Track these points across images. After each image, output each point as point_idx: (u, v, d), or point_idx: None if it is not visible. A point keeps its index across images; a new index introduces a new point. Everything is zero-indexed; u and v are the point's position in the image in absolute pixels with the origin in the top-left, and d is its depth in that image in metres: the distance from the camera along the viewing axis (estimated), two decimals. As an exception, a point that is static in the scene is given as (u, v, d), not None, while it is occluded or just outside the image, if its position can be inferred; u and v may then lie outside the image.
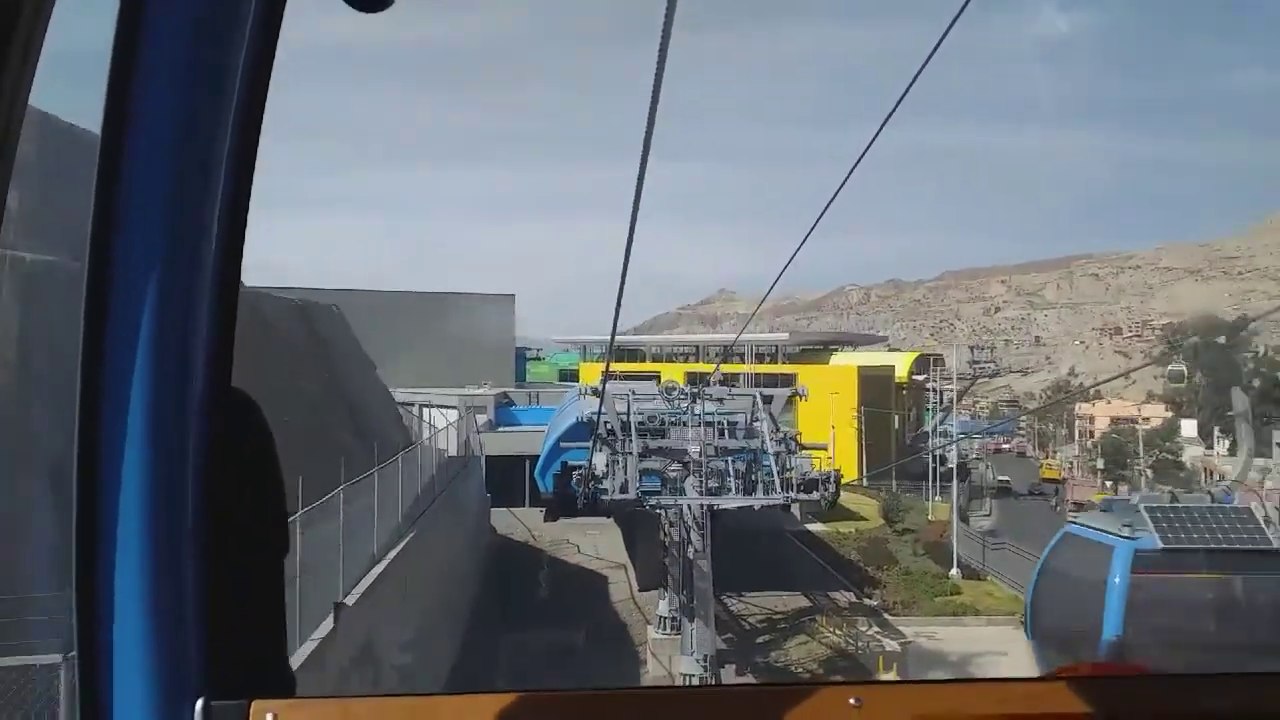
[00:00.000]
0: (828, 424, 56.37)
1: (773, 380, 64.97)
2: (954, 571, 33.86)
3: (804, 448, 24.27)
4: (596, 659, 25.72)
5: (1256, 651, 11.55)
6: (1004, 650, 26.04)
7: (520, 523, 39.03)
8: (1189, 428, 77.15)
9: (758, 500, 22.31)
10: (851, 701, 1.29)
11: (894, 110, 5.56)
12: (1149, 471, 61.03)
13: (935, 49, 5.36)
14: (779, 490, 21.86)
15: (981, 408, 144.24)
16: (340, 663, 13.32)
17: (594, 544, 36.10)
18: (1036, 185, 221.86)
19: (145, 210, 1.18)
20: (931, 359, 74.93)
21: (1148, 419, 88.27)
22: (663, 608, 26.03)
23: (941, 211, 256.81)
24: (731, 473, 23.07)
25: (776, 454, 22.37)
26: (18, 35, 0.97)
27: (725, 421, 24.47)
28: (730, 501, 22.17)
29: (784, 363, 68.09)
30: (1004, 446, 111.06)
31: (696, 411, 23.73)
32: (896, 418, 64.25)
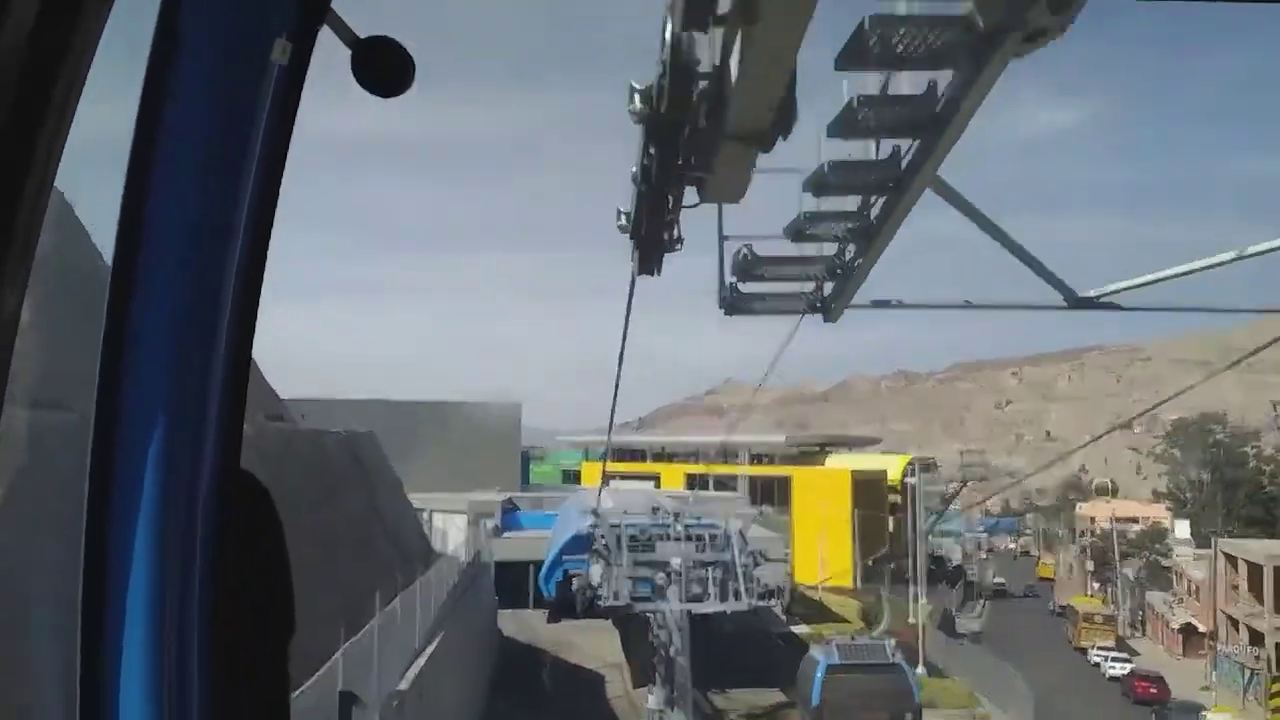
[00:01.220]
0: (821, 526, 61.61)
1: (769, 483, 70.51)
2: (919, 670, 38.73)
3: (768, 559, 29.67)
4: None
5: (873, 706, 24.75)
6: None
7: (526, 626, 44.00)
8: (1182, 529, 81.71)
9: (728, 606, 27.64)
10: None
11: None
12: (1130, 574, 65.51)
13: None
14: (745, 598, 27.24)
15: (993, 505, 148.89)
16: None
17: (594, 645, 40.96)
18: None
19: (161, 291, 1.26)
20: (918, 464, 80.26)
21: (1148, 519, 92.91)
22: (651, 701, 30.99)
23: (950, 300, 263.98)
24: (711, 579, 28.46)
25: (744, 566, 27.82)
26: (48, 119, 1.06)
27: (707, 535, 29.95)
28: (706, 607, 27.52)
29: (780, 464, 73.50)
30: (1010, 546, 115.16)
31: (680, 527, 29.28)
32: (891, 520, 69.21)
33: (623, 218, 5.91)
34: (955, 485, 68.81)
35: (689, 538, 28.79)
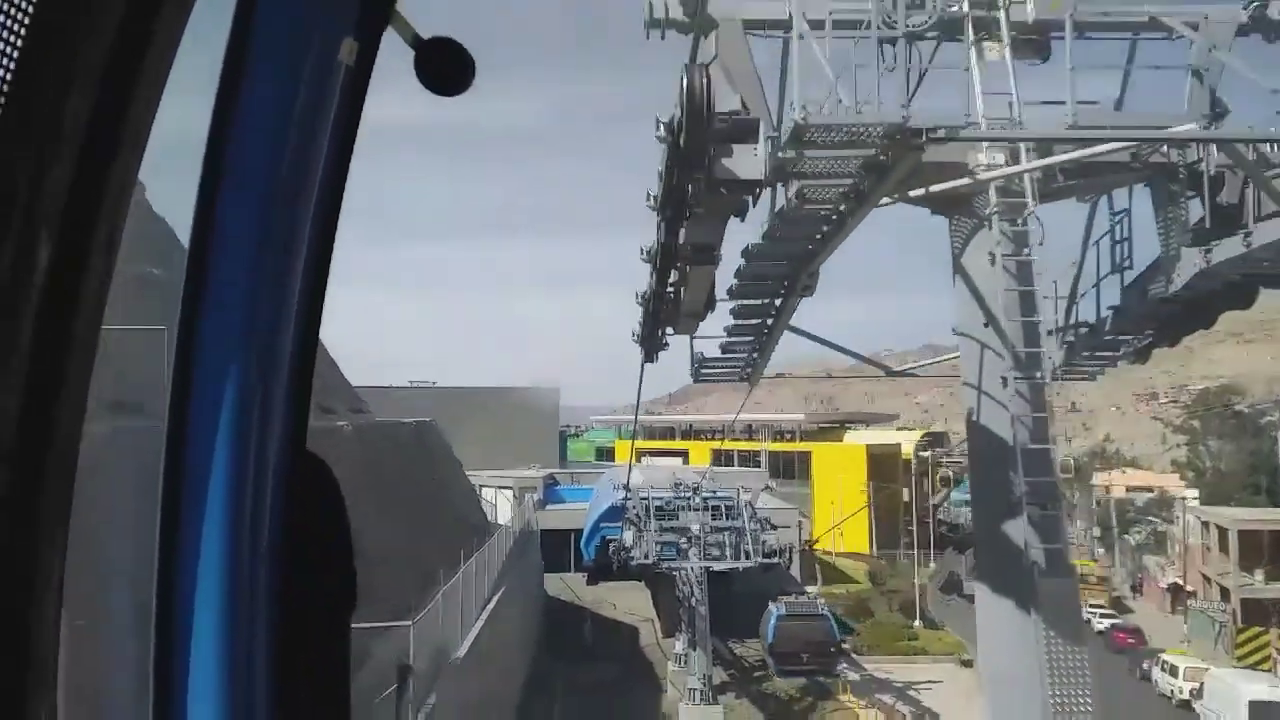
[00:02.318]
0: (839, 498, 66.85)
1: (790, 459, 75.77)
2: (916, 623, 44.13)
3: (774, 526, 35.11)
4: (631, 686, 36.34)
5: (812, 651, 33.51)
6: (939, 679, 36.46)
7: (568, 586, 49.89)
8: (1192, 498, 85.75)
9: (740, 564, 33.16)
10: None
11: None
12: (1131, 540, 70.10)
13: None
14: (753, 557, 32.76)
15: (1060, 470, 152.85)
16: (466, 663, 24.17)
17: (628, 602, 46.74)
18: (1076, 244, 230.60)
19: (233, 284, 1.32)
20: (932, 437, 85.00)
21: (1161, 488, 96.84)
22: (678, 647, 36.71)
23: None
24: (725, 543, 33.99)
25: (753, 531, 33.29)
26: (130, 116, 1.10)
27: (722, 505, 35.40)
28: (721, 565, 33.06)
29: (802, 440, 78.71)
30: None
31: (699, 499, 34.81)
32: (905, 491, 74.20)
33: (639, 298, 11.37)
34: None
35: (706, 507, 34.32)
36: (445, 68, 1.39)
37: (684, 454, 75.93)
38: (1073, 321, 12.40)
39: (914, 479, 74.96)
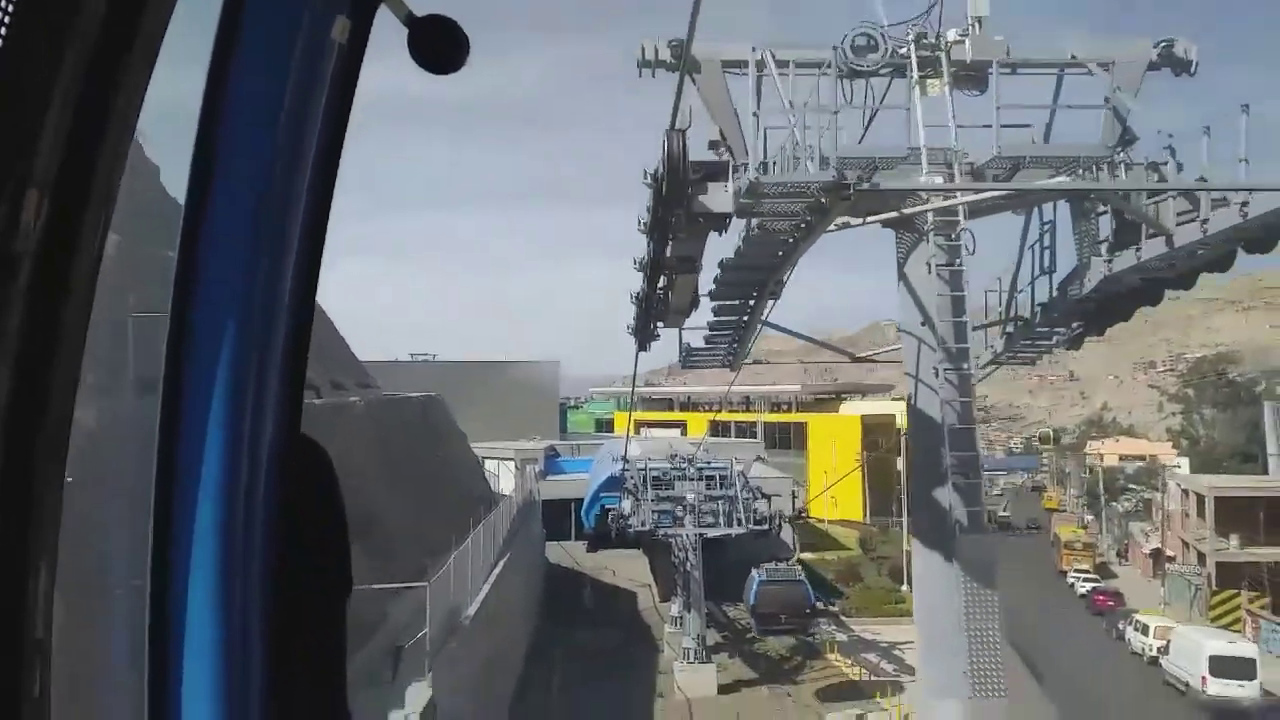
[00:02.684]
0: (834, 467, 68.90)
1: (786, 429, 77.87)
2: (904, 587, 46.30)
3: (766, 495, 37.11)
4: (628, 647, 38.50)
5: (789, 613, 36.27)
6: (923, 640, 38.68)
7: (568, 554, 52.05)
8: (1182, 466, 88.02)
9: (733, 531, 35.19)
10: None
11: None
12: (1119, 507, 72.33)
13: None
14: (745, 525, 34.78)
15: (1016, 443, 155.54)
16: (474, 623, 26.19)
17: (627, 569, 48.89)
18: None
19: (226, 265, 1.32)
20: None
21: (1154, 456, 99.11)
22: (674, 610, 38.82)
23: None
24: (718, 511, 35.98)
25: (745, 500, 35.28)
26: (119, 98, 1.09)
27: (716, 475, 37.33)
28: (714, 532, 35.08)
29: (799, 410, 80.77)
30: (1025, 481, 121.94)
31: (694, 469, 36.75)
32: (899, 460, 76.34)
33: (633, 298, 13.21)
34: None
35: (701, 477, 36.28)
36: (439, 45, 1.39)
37: (682, 425, 77.86)
38: (1012, 315, 14.24)
39: (907, 448, 77.12)
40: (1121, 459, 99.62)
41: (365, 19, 1.40)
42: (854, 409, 79.36)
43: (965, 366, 11.02)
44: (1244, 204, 9.69)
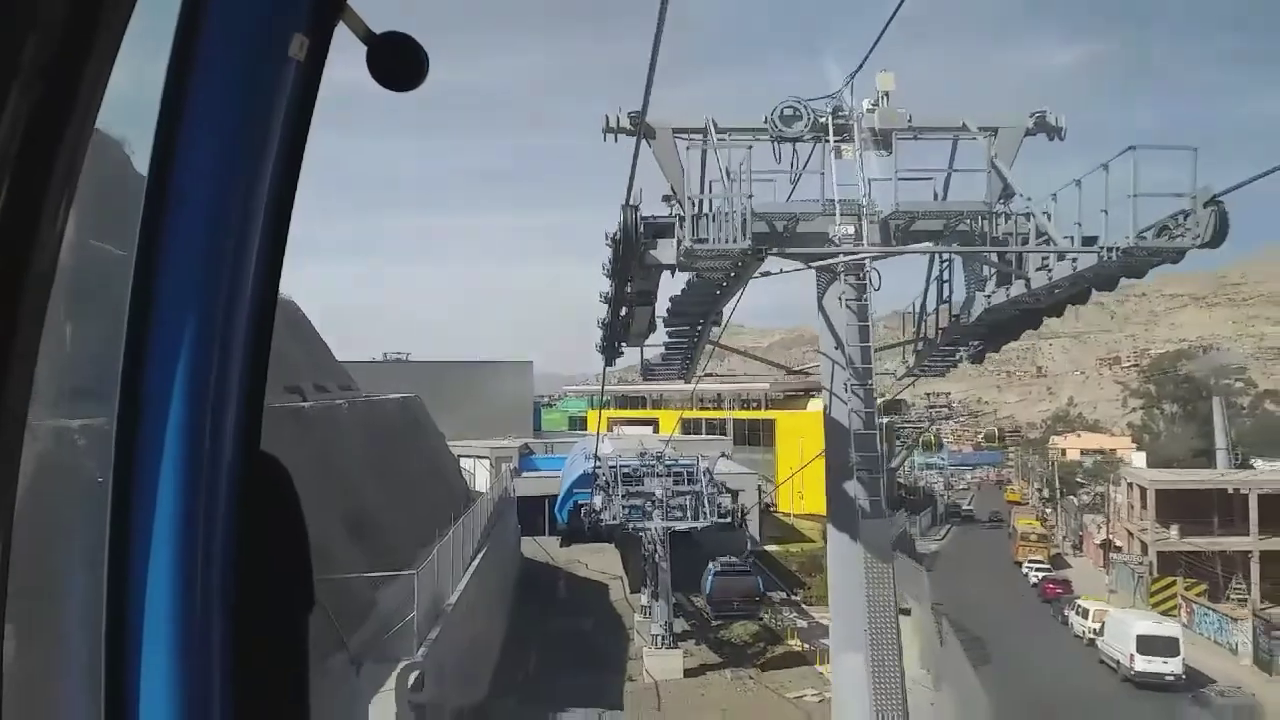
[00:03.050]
0: (800, 462, 71.68)
1: (756, 425, 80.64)
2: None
3: (729, 490, 39.71)
4: (600, 635, 40.97)
5: (741, 599, 40.77)
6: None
7: (542, 549, 54.41)
8: (1139, 460, 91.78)
9: (698, 524, 37.76)
10: None
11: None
12: (1076, 500, 75.77)
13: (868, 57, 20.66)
14: (709, 518, 37.38)
15: (982, 440, 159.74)
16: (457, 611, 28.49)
17: (600, 562, 51.33)
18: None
19: (183, 279, 1.31)
20: (890, 404, 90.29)
21: (1113, 450, 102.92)
22: (643, 599, 41.37)
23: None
24: (685, 505, 38.53)
25: (709, 495, 37.85)
26: (74, 114, 1.10)
27: (684, 472, 39.88)
28: (680, 526, 37.63)
29: (768, 408, 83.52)
30: (992, 476, 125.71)
31: (662, 466, 39.26)
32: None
33: (600, 324, 15.73)
34: (923, 425, 78.80)
35: (668, 474, 38.82)
36: (397, 63, 1.39)
37: (654, 423, 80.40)
38: (921, 335, 16.82)
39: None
40: (1083, 453, 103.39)
41: (324, 37, 1.41)
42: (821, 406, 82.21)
43: (869, 383, 13.52)
44: (1075, 259, 12.23)
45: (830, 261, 13.11)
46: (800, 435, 77.01)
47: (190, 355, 1.32)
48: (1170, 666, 34.62)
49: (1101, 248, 11.46)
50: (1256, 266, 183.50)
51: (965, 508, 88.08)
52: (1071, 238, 12.16)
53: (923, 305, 16.38)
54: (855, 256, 12.83)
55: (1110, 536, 59.35)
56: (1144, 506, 52.65)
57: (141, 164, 1.32)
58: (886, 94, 13.81)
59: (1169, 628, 36.43)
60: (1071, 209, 12.40)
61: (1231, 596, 46.70)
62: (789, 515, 63.54)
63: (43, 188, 1.09)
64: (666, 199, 13.39)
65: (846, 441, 13.58)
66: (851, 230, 13.36)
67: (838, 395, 13.92)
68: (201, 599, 1.35)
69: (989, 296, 14.15)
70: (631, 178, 12.68)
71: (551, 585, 48.09)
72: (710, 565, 41.99)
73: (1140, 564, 50.41)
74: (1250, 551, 48.49)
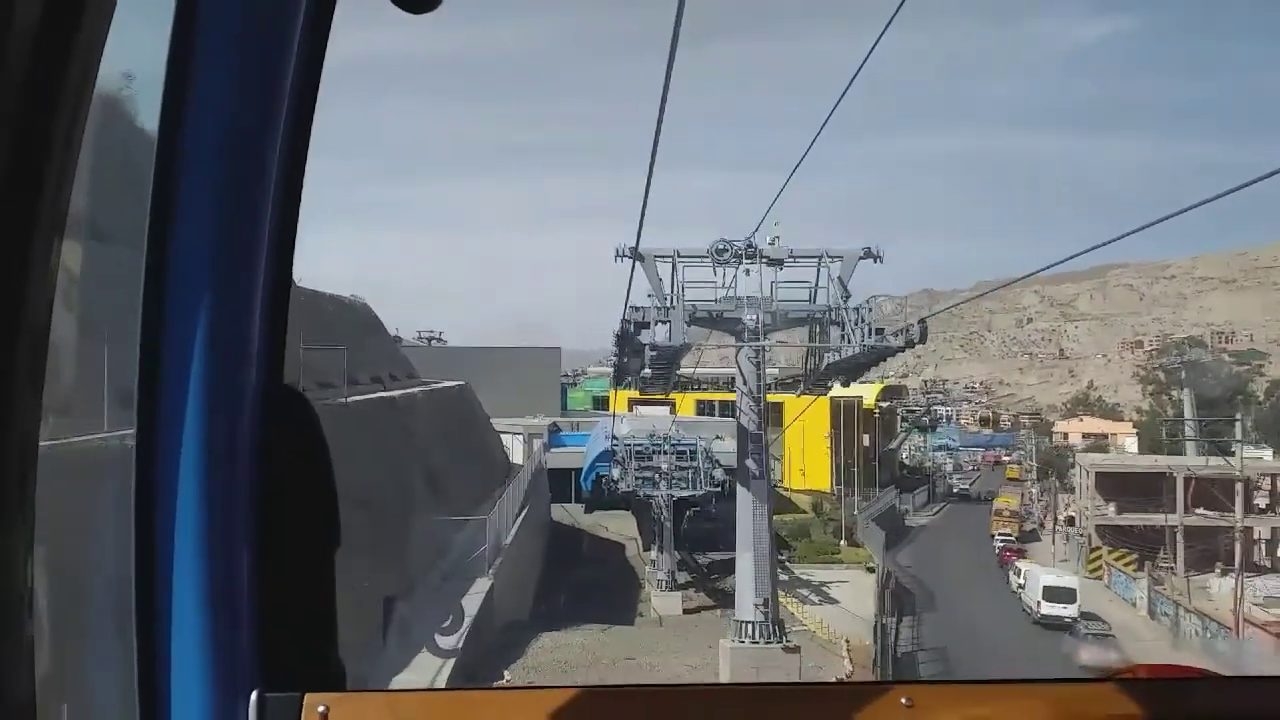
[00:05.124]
0: (804, 444, 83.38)
1: (765, 407, 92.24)
2: (842, 542, 61.07)
3: (721, 465, 51.58)
4: (617, 583, 53.00)
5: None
6: (847, 580, 53.44)
7: (568, 514, 66.58)
8: (1132, 445, 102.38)
9: (695, 492, 49.72)
10: (903, 701, 1.50)
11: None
12: (1056, 481, 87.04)
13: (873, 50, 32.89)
14: (702, 487, 49.38)
15: (1006, 420, 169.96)
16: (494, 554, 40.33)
17: (618, 526, 63.38)
18: (1074, 191, 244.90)
19: (200, 214, 1.36)
20: (891, 390, 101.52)
21: (1114, 434, 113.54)
22: (652, 555, 53.51)
23: (978, 218, 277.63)
24: (686, 477, 50.53)
25: (705, 469, 49.80)
26: (80, 39, 1.10)
27: (687, 450, 51.81)
28: (681, 493, 49.65)
29: (778, 391, 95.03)
30: (1004, 459, 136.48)
31: (668, 445, 51.26)
32: (866, 437, 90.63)
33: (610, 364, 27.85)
34: (921, 410, 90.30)
35: (673, 451, 50.87)
36: None
37: (671, 404, 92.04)
38: (808, 370, 28.61)
39: (875, 426, 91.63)
40: (1084, 437, 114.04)
41: None
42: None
43: (761, 405, 25.23)
44: (859, 350, 24.01)
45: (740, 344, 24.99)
46: (804, 417, 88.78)
47: (211, 290, 1.39)
48: (1068, 611, 46.26)
49: (861, 344, 23.32)
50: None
51: (961, 486, 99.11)
52: (861, 331, 24.08)
53: (806, 354, 28.26)
54: (751, 344, 24.63)
55: (1073, 514, 70.83)
56: (1095, 485, 64.07)
57: (154, 104, 1.37)
58: (778, 237, 25.39)
59: (1068, 580, 48.14)
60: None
61: (1160, 565, 58.14)
62: (790, 490, 75.36)
63: (45, 153, 1.12)
64: (651, 296, 25.23)
65: (746, 441, 25.44)
66: (755, 318, 25.03)
67: (744, 411, 25.79)
68: (227, 535, 1.42)
69: (821, 359, 26.06)
70: (627, 294, 24.53)
71: (578, 544, 60.08)
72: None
73: (1081, 536, 61.93)
74: (1176, 526, 59.85)
